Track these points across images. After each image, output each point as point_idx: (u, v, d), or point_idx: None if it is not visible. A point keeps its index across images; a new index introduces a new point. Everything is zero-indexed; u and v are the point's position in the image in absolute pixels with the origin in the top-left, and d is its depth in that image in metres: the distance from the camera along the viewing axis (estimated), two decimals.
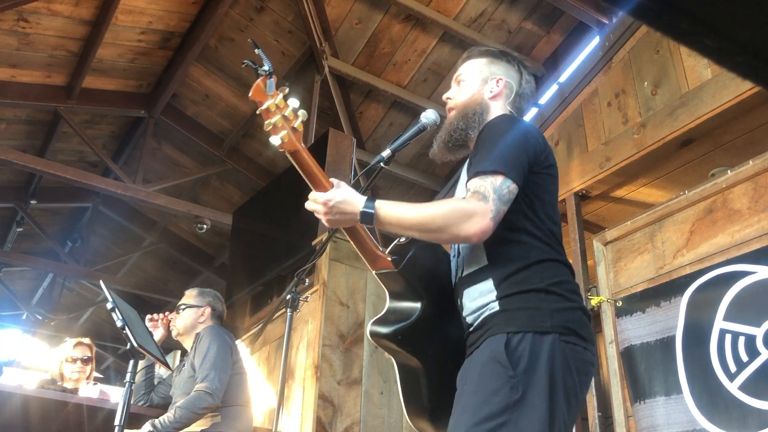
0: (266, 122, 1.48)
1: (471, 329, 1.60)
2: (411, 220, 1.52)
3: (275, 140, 1.49)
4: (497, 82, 1.80)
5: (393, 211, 1.53)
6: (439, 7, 4.79)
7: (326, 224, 1.58)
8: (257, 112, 1.49)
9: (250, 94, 1.48)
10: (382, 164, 1.72)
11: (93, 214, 7.40)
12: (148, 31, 5.10)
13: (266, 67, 1.49)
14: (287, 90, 1.51)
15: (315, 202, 1.55)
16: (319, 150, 4.25)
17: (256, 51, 1.54)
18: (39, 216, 7.13)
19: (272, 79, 1.49)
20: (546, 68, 5.13)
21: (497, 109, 1.78)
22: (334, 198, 1.53)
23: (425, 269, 1.67)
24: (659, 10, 0.48)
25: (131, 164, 6.35)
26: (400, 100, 5.27)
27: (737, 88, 3.06)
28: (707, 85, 3.25)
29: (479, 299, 1.58)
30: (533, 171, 1.61)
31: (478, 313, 1.57)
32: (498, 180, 1.51)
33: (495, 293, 1.54)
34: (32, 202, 6.55)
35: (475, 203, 1.49)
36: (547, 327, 1.47)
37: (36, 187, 6.51)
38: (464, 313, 1.62)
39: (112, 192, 5.58)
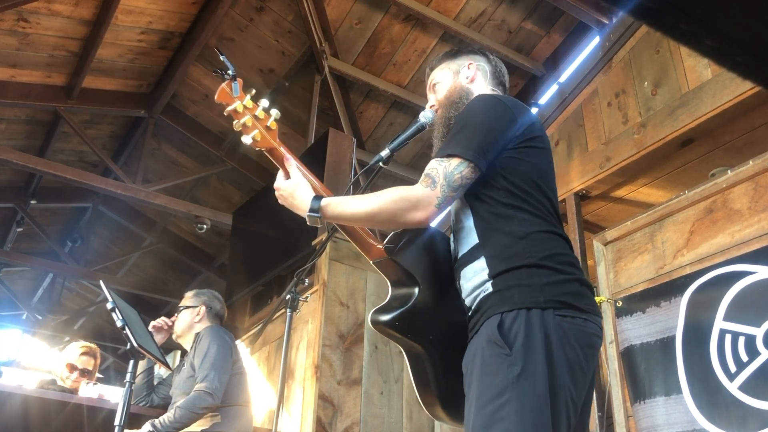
0: (235, 122, 1.56)
1: (470, 313, 1.60)
2: (359, 216, 1.57)
3: (247, 139, 1.57)
4: (468, 66, 1.84)
5: (339, 208, 1.57)
6: (439, 7, 4.79)
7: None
8: (225, 113, 1.58)
9: (215, 98, 1.57)
10: (381, 164, 1.73)
11: (93, 214, 7.41)
12: (148, 31, 5.10)
13: (230, 72, 1.58)
14: (254, 91, 1.59)
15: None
16: (319, 150, 4.26)
17: (221, 58, 1.63)
18: (39, 216, 7.13)
19: (236, 83, 1.58)
20: (546, 68, 5.13)
21: (479, 89, 1.80)
22: (283, 189, 1.63)
23: (422, 254, 1.66)
24: (659, 10, 0.48)
25: (131, 164, 6.35)
26: (400, 100, 5.27)
27: (737, 88, 3.06)
28: (707, 85, 3.25)
29: (474, 279, 1.57)
30: (509, 147, 1.60)
31: (475, 294, 1.57)
32: (452, 164, 1.53)
33: (487, 271, 1.54)
34: (32, 202, 6.56)
35: (421, 190, 1.53)
36: (539, 302, 1.46)
37: (36, 187, 6.51)
38: (463, 295, 1.62)
39: (112, 192, 5.58)
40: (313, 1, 4.83)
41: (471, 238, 1.60)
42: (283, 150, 1.64)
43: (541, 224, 1.57)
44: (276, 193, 1.65)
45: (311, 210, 1.57)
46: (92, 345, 3.77)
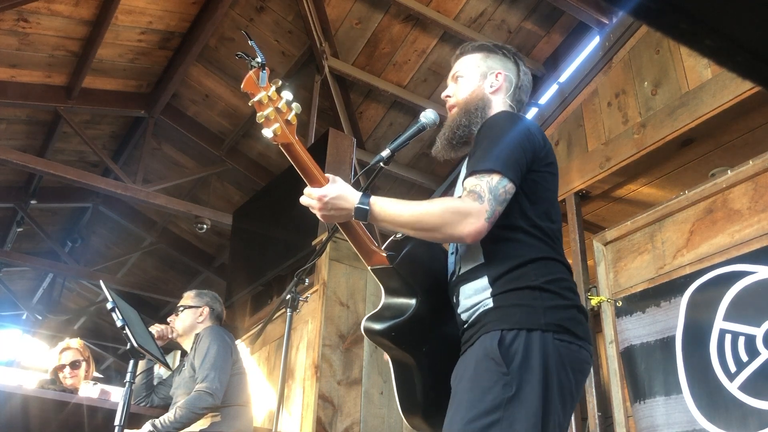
0: (258, 114, 1.48)
1: (465, 326, 1.59)
2: (405, 217, 1.52)
3: (267, 132, 1.49)
4: (496, 76, 1.79)
5: (387, 207, 1.53)
6: (439, 7, 4.79)
7: (321, 219, 1.59)
8: (249, 103, 1.48)
9: (242, 86, 1.48)
10: (381, 164, 1.72)
11: (93, 214, 7.40)
12: (148, 31, 5.09)
13: (259, 59, 1.48)
14: (280, 82, 1.51)
15: (310, 197, 1.56)
16: (319, 150, 4.25)
17: (249, 42, 1.54)
18: (39, 216, 7.13)
19: (265, 72, 1.48)
20: (546, 68, 5.12)
21: (498, 103, 1.77)
22: (329, 193, 1.54)
23: (421, 266, 1.67)
24: (659, 10, 0.48)
25: (131, 164, 6.35)
26: (400, 100, 5.27)
27: (737, 88, 3.06)
28: (707, 85, 3.25)
29: (474, 297, 1.57)
30: (532, 169, 1.60)
31: (473, 310, 1.57)
32: (494, 179, 1.50)
33: (490, 290, 1.54)
34: (32, 202, 6.55)
35: (470, 203, 1.48)
36: (540, 325, 1.46)
37: (36, 187, 6.51)
38: (459, 311, 1.62)
39: (112, 192, 5.58)
40: (313, 1, 4.83)
41: (476, 257, 1.60)
42: (299, 149, 1.56)
43: (546, 251, 1.57)
44: (317, 203, 1.55)
45: (361, 203, 1.52)
46: (70, 341, 3.75)
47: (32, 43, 4.85)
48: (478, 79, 1.79)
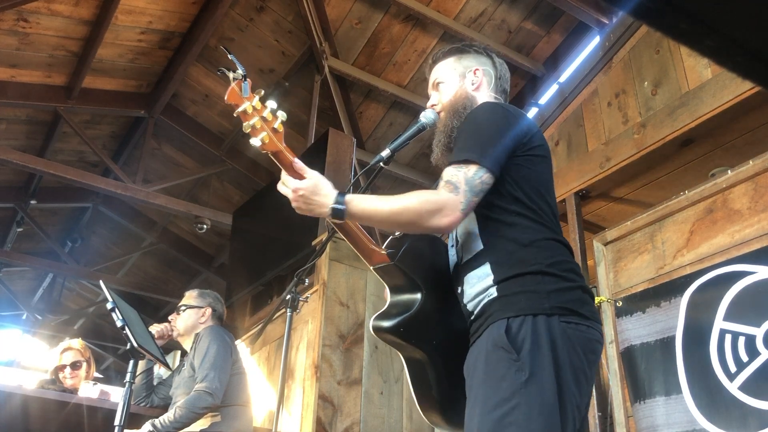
0: (245, 124, 1.51)
1: (472, 317, 1.60)
2: (383, 214, 1.53)
3: (255, 142, 1.52)
4: (475, 72, 1.82)
5: (364, 205, 1.54)
6: (439, 7, 4.79)
7: (296, 210, 1.59)
8: (234, 114, 1.51)
9: (225, 98, 1.50)
10: (381, 164, 1.73)
11: (93, 214, 7.40)
12: (148, 31, 5.10)
13: (240, 71, 1.52)
14: (263, 92, 1.54)
15: (285, 186, 1.57)
16: (319, 150, 4.25)
17: (229, 57, 1.58)
18: (39, 216, 7.13)
19: (247, 82, 1.52)
20: (546, 68, 5.12)
21: (483, 98, 1.79)
22: (304, 188, 1.54)
23: (422, 260, 1.68)
24: (659, 10, 0.48)
25: (131, 164, 6.35)
26: (400, 100, 5.27)
27: (737, 88, 3.06)
28: (707, 85, 3.25)
29: (478, 285, 1.58)
30: (516, 154, 1.61)
31: (478, 299, 1.58)
32: (471, 170, 1.52)
33: (492, 277, 1.55)
34: (32, 202, 6.55)
35: (445, 195, 1.51)
36: (544, 309, 1.47)
37: (36, 187, 6.51)
38: (465, 301, 1.62)
39: (112, 192, 5.58)
40: (313, 1, 4.83)
41: (475, 244, 1.61)
42: (288, 155, 1.57)
43: (544, 231, 1.58)
44: (293, 195, 1.55)
45: (336, 203, 1.51)
46: (71, 341, 3.75)
47: (32, 43, 4.85)
48: (458, 81, 1.82)
